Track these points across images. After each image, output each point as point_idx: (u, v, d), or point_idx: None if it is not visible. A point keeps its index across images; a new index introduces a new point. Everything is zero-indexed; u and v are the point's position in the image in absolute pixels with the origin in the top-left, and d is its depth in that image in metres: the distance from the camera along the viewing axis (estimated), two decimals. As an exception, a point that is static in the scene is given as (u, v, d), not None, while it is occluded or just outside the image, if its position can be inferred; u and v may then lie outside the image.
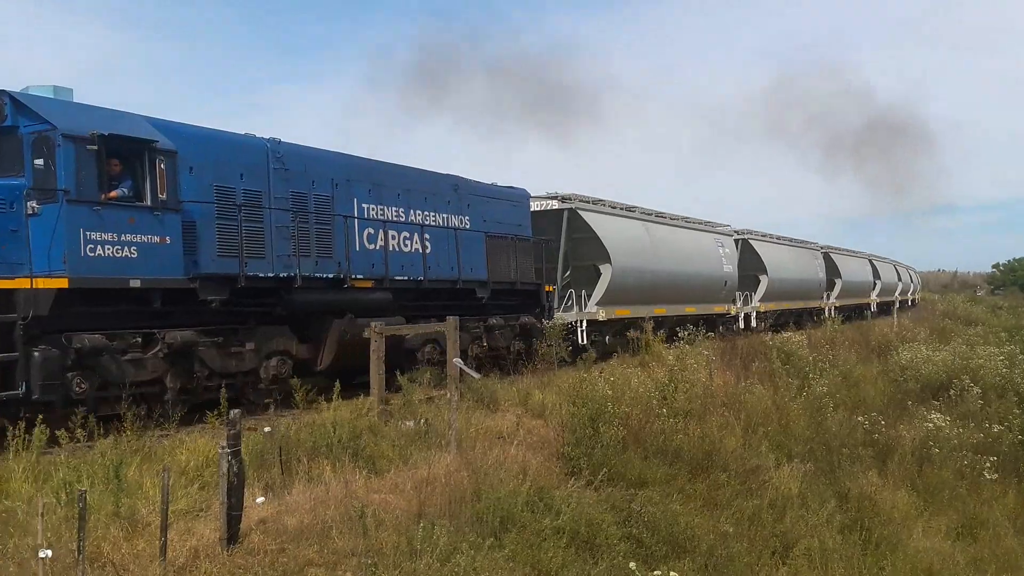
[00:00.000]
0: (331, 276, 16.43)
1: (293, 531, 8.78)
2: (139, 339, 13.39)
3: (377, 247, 17.76)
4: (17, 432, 10.06)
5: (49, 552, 6.63)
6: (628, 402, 14.16)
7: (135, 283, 12.97)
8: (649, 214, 32.02)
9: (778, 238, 43.68)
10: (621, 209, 29.99)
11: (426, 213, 19.31)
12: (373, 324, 15.19)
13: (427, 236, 19.13)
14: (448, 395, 13.55)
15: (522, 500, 10.12)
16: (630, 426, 13.21)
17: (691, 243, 33.16)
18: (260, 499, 9.49)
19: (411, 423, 13.31)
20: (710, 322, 32.45)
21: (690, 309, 31.79)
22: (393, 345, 15.97)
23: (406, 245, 18.63)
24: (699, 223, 35.88)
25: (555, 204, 26.37)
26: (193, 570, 7.67)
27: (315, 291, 16.26)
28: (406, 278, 18.31)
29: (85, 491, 6.99)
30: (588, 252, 26.96)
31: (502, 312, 21.38)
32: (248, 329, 15.25)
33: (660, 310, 29.34)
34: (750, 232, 39.68)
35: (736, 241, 37.62)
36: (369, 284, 17.33)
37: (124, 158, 13.20)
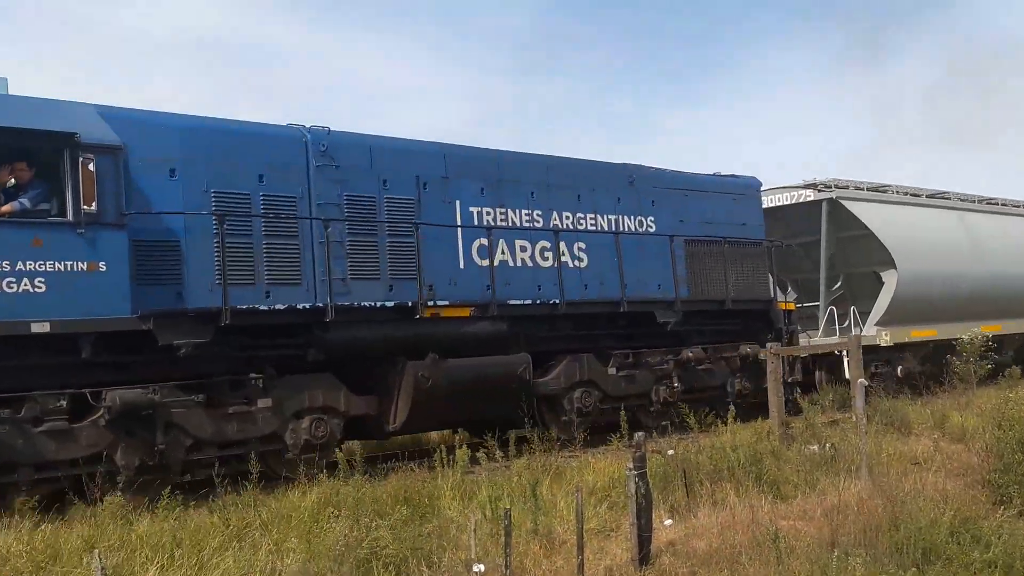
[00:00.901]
0: (393, 304, 12.71)
1: (702, 555, 8.77)
2: (63, 402, 10.24)
3: (486, 262, 13.91)
4: (439, 454, 10.96)
5: (482, 567, 7.14)
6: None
7: (40, 327, 9.87)
8: (969, 200, 24.92)
9: None
10: (915, 196, 23.33)
11: (577, 216, 15.39)
12: (769, 345, 14.93)
13: (578, 245, 15.14)
14: (855, 418, 12.95)
15: (945, 530, 9.38)
16: (1069, 451, 11.80)
17: None
18: (668, 521, 9.62)
19: (815, 447, 12.86)
20: None
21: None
22: (493, 385, 13.56)
23: (543, 258, 14.73)
24: None
25: (810, 194, 20.92)
26: (609, 588, 7.91)
27: (364, 325, 12.49)
28: (528, 301, 14.23)
29: (509, 509, 7.46)
30: (863, 255, 21.41)
31: (712, 340, 17.13)
32: (262, 379, 11.75)
33: (991, 327, 21.82)
34: None
35: None
36: (465, 312, 13.48)
37: (34, 159, 10.45)
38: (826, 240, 20.77)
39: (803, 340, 19.35)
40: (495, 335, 13.75)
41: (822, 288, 20.89)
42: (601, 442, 13.66)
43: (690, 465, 11.20)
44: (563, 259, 14.78)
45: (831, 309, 20.49)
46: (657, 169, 17.07)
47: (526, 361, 13.98)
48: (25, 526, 8.67)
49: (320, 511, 9.19)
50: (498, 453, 10.98)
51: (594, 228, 15.48)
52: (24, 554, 7.76)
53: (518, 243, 14.47)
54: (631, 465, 8.72)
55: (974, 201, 24.75)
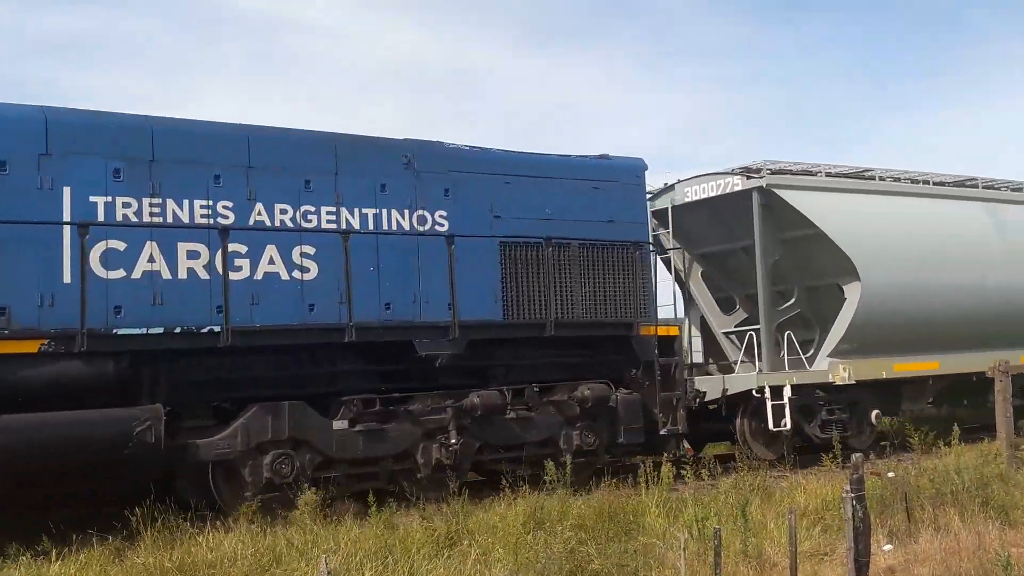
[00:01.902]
0: None
1: (924, 582, 8.33)
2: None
3: (117, 274, 10.34)
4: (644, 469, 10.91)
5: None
6: None
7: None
8: (977, 185, 18.26)
9: None
10: (895, 180, 17.24)
11: (304, 209, 11.55)
12: (996, 361, 14.01)
13: (301, 250, 11.44)
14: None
15: None
16: None
17: None
18: (887, 546, 9.19)
19: (1049, 472, 12.02)
20: None
21: None
22: (81, 452, 9.73)
23: (235, 268, 10.91)
24: None
25: (738, 183, 15.64)
26: (823, 615, 7.62)
27: None
28: (160, 330, 10.41)
29: (720, 529, 7.31)
30: (822, 262, 16.04)
31: (544, 377, 13.20)
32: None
33: None
34: None
35: None
36: (31, 348, 9.73)
37: None
38: (761, 242, 15.57)
39: (704, 378, 15.55)
40: (96, 379, 10.10)
41: (761, 306, 15.71)
42: (812, 463, 13.22)
43: (911, 488, 10.69)
44: (270, 269, 11.17)
45: (788, 334, 15.73)
46: (456, 147, 13.08)
47: (151, 416, 9.99)
48: (249, 529, 9.21)
49: (526, 523, 9.30)
50: (704, 472, 10.81)
51: (332, 226, 11.65)
52: (250, 556, 8.24)
53: (182, 247, 10.70)
54: (848, 487, 8.37)
55: (993, 187, 18.63)
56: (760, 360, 15.40)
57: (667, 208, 16.44)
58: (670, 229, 16.43)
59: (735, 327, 16.88)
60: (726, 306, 17.69)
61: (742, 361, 15.74)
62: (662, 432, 13.41)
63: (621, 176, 14.16)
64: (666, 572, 7.99)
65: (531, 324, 12.73)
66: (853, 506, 8.26)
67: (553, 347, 13.24)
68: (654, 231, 16.10)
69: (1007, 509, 10.65)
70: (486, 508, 10.41)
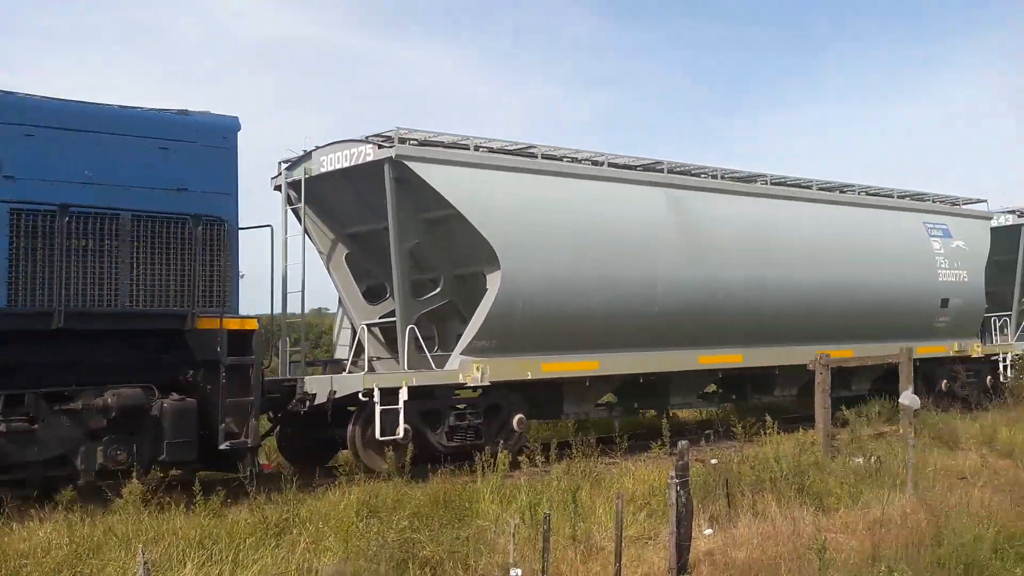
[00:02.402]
0: None
1: (741, 565, 8.69)
2: None
3: None
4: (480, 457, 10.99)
5: (519, 571, 7.12)
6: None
7: None
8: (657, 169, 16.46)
9: None
10: (548, 158, 15.13)
11: None
12: (818, 353, 14.76)
13: None
14: (902, 431, 12.78)
15: (988, 547, 9.21)
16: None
17: (821, 227, 18.37)
18: (708, 531, 9.55)
19: (860, 460, 12.73)
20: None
21: (838, 353, 16.44)
22: None
23: None
24: (875, 194, 20.45)
25: (370, 152, 13.45)
26: (645, 596, 7.87)
27: None
28: None
29: (549, 514, 7.44)
30: (468, 247, 14.01)
31: (57, 379, 10.65)
32: None
33: (711, 358, 16.06)
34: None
35: (1011, 228, 23.22)
36: None
37: None
38: (397, 223, 13.53)
39: (314, 378, 13.24)
40: None
41: (397, 295, 13.77)
42: (643, 448, 13.59)
43: (732, 475, 11.13)
44: None
45: (410, 328, 13.68)
46: None
47: None
48: (66, 518, 8.82)
49: (359, 510, 9.25)
50: (538, 458, 10.96)
51: None
52: (65, 546, 7.90)
53: None
54: (673, 473, 8.67)
55: (680, 172, 16.89)
56: (401, 357, 13.61)
57: (301, 180, 14.35)
58: (302, 204, 14.33)
59: (380, 318, 14.93)
60: (377, 294, 15.46)
61: (379, 358, 14.48)
62: (221, 447, 11.09)
63: (201, 136, 11.58)
64: (496, 557, 8.08)
65: (35, 314, 10.16)
66: (677, 492, 8.55)
67: (84, 343, 10.72)
68: (293, 205, 14.57)
69: (822, 496, 11.24)
70: (319, 496, 10.29)
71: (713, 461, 11.37)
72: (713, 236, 16.29)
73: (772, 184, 18.07)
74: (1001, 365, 21.55)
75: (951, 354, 20.58)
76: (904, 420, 13.19)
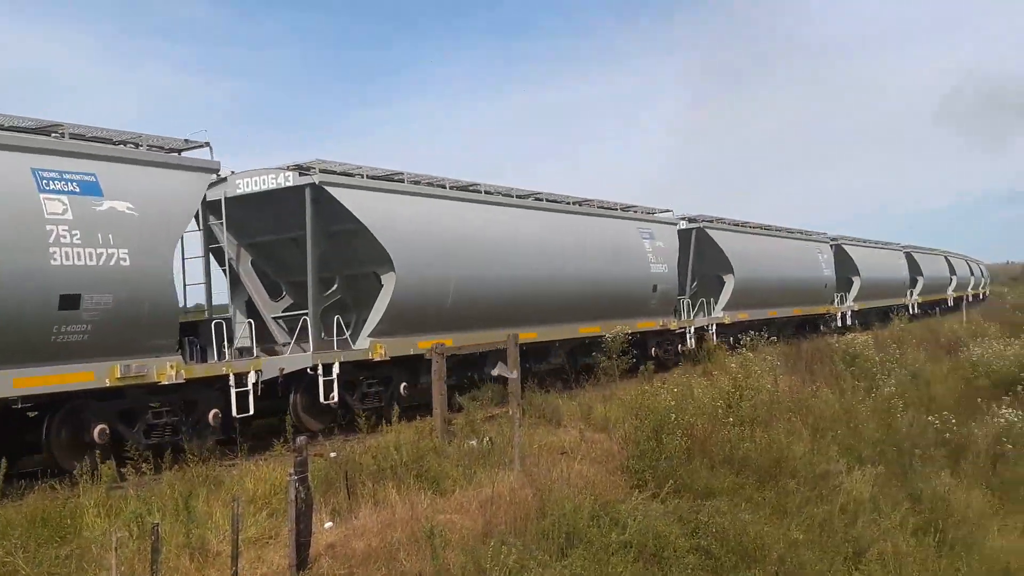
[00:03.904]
0: None
1: (361, 555, 8.84)
2: None
3: None
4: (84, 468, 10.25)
5: (124, 585, 6.76)
6: (692, 412, 14.04)
7: None
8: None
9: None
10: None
11: None
12: (434, 344, 15.30)
13: None
14: (511, 412, 13.57)
15: (587, 515, 10.08)
16: (695, 436, 13.09)
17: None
18: (328, 524, 9.59)
19: (474, 442, 13.34)
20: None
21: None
22: None
23: None
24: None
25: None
26: (264, 597, 7.76)
27: None
28: None
29: (158, 524, 7.11)
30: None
31: None
32: None
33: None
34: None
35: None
36: None
37: None
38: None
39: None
40: None
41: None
42: (266, 447, 13.35)
43: (353, 466, 11.24)
44: None
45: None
46: None
47: None
48: None
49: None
50: (145, 466, 10.39)
51: None
52: None
53: None
54: (292, 470, 8.61)
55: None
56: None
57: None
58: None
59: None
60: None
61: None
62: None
63: None
64: (102, 574, 7.61)
65: None
66: (296, 488, 8.52)
67: None
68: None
69: (439, 479, 11.66)
70: None
71: (333, 454, 11.43)
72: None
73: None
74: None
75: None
76: (512, 402, 14.00)
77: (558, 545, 9.37)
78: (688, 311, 28.76)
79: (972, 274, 72.36)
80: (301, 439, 8.86)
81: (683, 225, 29.99)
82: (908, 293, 50.35)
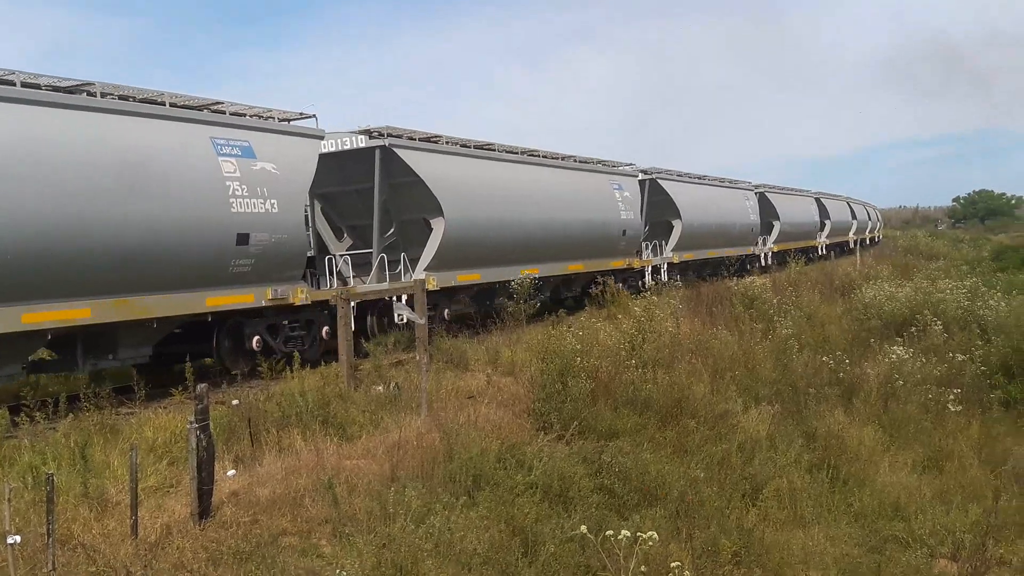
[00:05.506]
0: None
1: (265, 502, 8.77)
2: None
3: None
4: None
5: (18, 538, 6.58)
6: (597, 355, 14.21)
7: None
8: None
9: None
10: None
11: None
12: (338, 289, 15.16)
13: None
14: (418, 357, 13.56)
15: (493, 458, 10.16)
16: (599, 379, 13.27)
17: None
18: (231, 472, 9.49)
19: (380, 388, 13.32)
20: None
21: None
22: None
23: None
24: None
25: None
26: (166, 546, 7.65)
27: None
28: None
29: (52, 474, 6.92)
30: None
31: None
32: None
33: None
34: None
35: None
36: None
37: None
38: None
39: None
40: None
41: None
42: (164, 395, 13.09)
43: (257, 413, 11.11)
44: None
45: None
46: None
47: None
48: None
49: None
50: (39, 414, 10.08)
51: None
52: None
53: None
54: (192, 418, 8.47)
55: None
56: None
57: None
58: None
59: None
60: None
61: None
62: None
63: None
64: (-7, 528, 7.38)
65: None
66: (197, 436, 8.38)
67: None
68: None
69: (345, 425, 11.63)
70: None
71: (235, 402, 11.28)
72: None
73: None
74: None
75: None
76: (420, 347, 14.00)
77: (465, 488, 9.43)
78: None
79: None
80: (202, 386, 8.70)
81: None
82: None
